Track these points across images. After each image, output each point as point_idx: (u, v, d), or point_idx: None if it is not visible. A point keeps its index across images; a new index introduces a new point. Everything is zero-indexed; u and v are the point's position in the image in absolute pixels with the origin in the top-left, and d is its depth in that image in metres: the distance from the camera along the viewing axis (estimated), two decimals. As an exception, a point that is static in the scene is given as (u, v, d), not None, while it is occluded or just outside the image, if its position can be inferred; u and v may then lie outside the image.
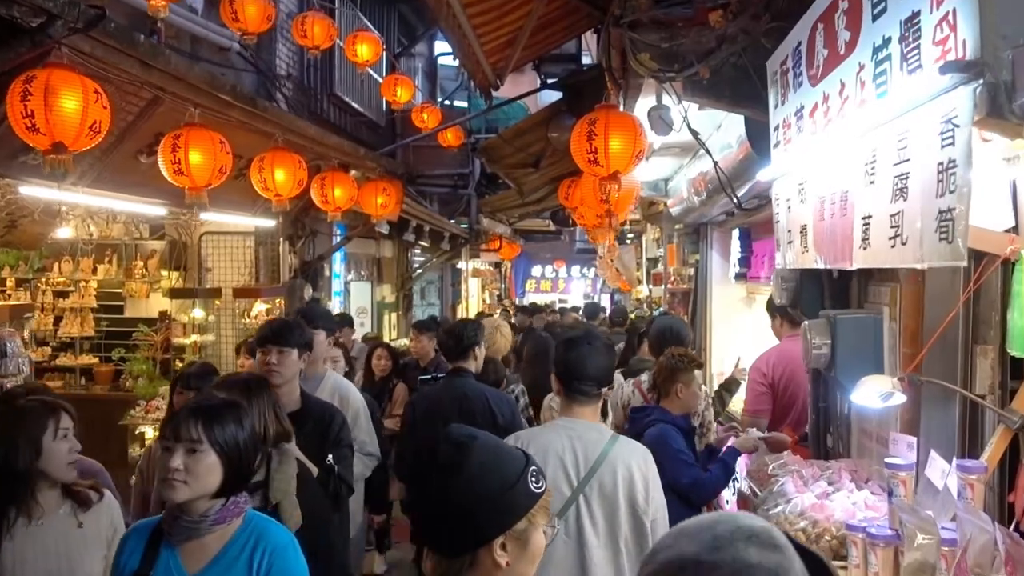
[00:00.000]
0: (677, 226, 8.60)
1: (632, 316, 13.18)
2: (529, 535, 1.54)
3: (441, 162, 13.62)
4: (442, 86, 17.17)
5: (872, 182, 2.41)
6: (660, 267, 13.98)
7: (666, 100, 4.49)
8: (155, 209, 6.48)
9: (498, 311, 19.23)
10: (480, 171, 14.17)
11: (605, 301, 27.41)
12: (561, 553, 2.62)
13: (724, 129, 5.03)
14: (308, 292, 8.35)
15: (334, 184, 6.85)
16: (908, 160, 2.13)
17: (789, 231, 3.62)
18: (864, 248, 2.52)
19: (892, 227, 2.24)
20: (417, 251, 14.44)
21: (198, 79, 4.75)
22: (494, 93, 8.66)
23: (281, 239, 7.92)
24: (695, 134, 4.70)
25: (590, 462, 2.69)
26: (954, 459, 2.43)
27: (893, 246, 2.24)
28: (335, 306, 9.61)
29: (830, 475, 3.39)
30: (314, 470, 3.12)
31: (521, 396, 5.41)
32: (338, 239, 9.64)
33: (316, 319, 4.37)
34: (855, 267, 2.73)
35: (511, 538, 1.51)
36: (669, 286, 9.11)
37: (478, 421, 3.87)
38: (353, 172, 8.32)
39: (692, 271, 10.27)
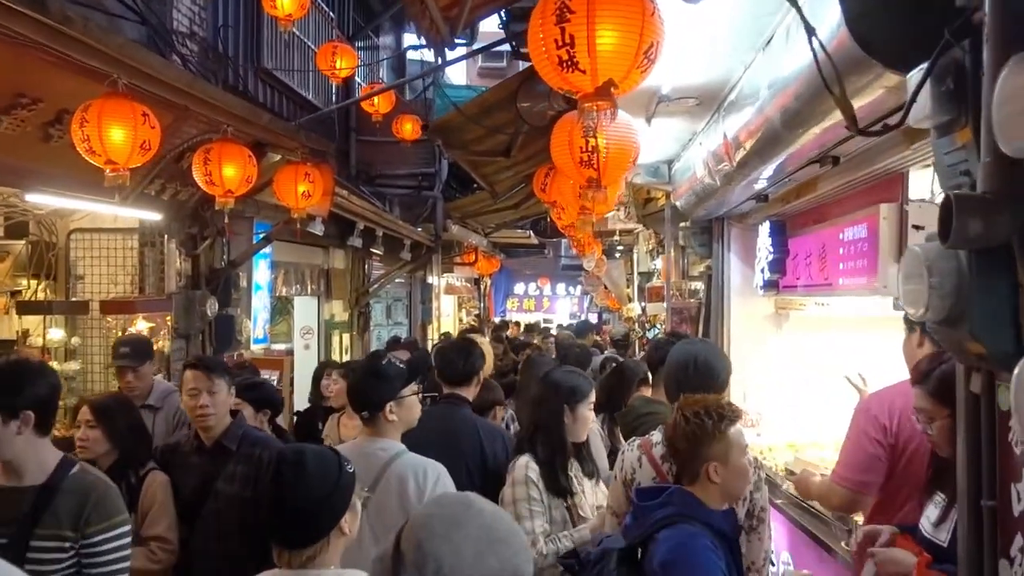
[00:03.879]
0: (682, 224, 6.81)
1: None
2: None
3: (403, 160, 11.81)
4: (412, 84, 15.44)
5: None
6: (656, 280, 12.21)
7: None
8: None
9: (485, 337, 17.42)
10: (448, 171, 12.38)
11: (592, 320, 25.74)
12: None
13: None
14: (211, 307, 6.50)
15: (222, 159, 5.03)
16: None
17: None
18: None
19: None
20: (379, 263, 12.59)
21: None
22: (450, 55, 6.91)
23: (165, 237, 6.06)
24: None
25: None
26: None
27: None
28: (259, 326, 7.75)
29: None
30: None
31: (511, 423, 4.91)
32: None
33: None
34: None
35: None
36: (673, 303, 7.28)
37: (465, 462, 3.49)
38: (275, 155, 6.52)
39: (700, 284, 8.50)
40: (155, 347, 6.12)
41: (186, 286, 6.38)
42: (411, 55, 15.35)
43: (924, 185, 3.77)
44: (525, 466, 3.29)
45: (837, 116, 2.60)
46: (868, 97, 2.36)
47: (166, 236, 6.01)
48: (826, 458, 5.30)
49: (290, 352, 10.81)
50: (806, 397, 5.87)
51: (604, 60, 2.26)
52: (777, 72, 3.01)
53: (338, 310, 11.28)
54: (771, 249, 5.36)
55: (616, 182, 3.65)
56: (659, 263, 12.75)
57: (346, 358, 11.14)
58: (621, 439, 4.56)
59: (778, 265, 5.32)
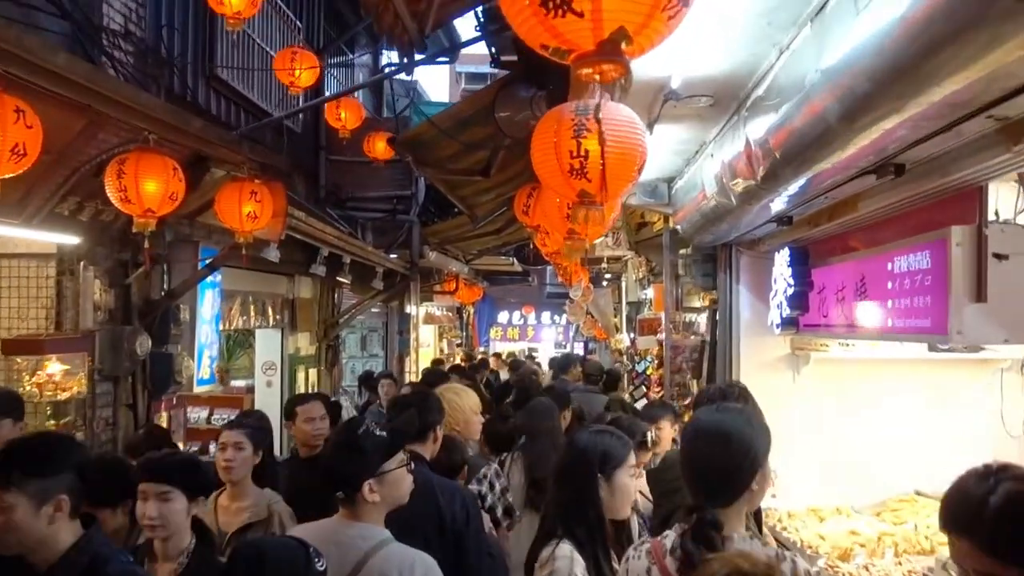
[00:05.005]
0: (682, 252, 6.02)
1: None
2: None
3: (376, 182, 11.00)
4: (390, 104, 14.67)
5: None
6: (648, 311, 11.42)
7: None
8: None
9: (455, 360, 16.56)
10: (426, 194, 11.57)
11: (579, 350, 24.94)
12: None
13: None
14: (142, 345, 5.63)
15: (139, 172, 4.20)
16: None
17: None
18: None
19: None
20: (351, 291, 11.72)
21: None
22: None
23: (81, 264, 5.20)
24: None
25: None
26: None
27: None
28: (203, 364, 6.86)
29: None
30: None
31: (496, 480, 4.32)
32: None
33: None
34: None
35: None
36: (674, 338, 6.46)
37: (417, 526, 2.93)
38: (220, 171, 5.71)
39: (695, 316, 7.70)
40: (70, 393, 5.27)
41: (112, 321, 5.50)
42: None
43: (1006, 202, 3.00)
44: (570, 561, 2.54)
45: (941, 90, 1.81)
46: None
47: (83, 263, 5.13)
48: (859, 531, 4.49)
49: (251, 389, 9.94)
50: (829, 452, 5.08)
51: (612, 0, 1.45)
52: (838, 47, 2.21)
53: (304, 343, 10.39)
54: (791, 281, 4.57)
55: (616, 197, 2.82)
56: (650, 292, 11.97)
57: (312, 395, 10.23)
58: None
59: (799, 300, 4.53)
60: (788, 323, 4.70)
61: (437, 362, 13.21)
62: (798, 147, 2.77)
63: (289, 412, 4.57)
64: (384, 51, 14.35)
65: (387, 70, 13.91)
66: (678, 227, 5.12)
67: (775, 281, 4.84)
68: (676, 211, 5.07)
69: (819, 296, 4.41)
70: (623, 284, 15.68)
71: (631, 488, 2.75)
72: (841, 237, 4.12)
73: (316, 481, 2.73)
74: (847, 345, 4.89)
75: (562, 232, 3.74)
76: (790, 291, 4.55)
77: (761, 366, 5.27)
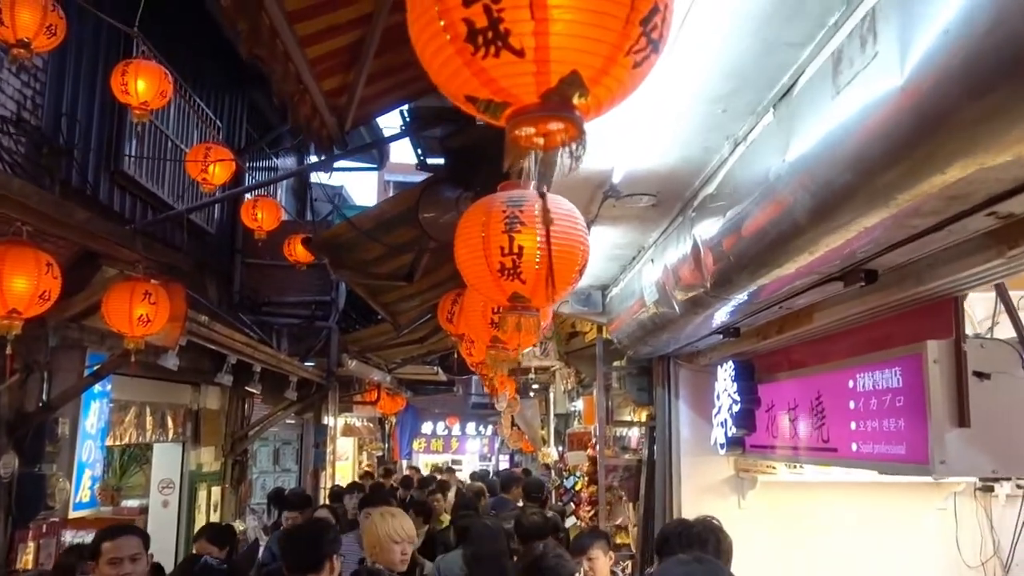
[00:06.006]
0: (616, 364, 5.67)
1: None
2: None
3: (295, 287, 10.47)
4: (315, 208, 14.31)
5: None
6: (578, 425, 10.98)
7: None
8: None
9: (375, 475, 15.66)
10: (347, 300, 11.07)
11: (504, 463, 24.16)
12: None
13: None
14: (8, 464, 4.91)
15: (4, 267, 3.65)
16: None
17: None
18: None
19: None
20: (263, 403, 10.97)
21: None
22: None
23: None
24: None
25: None
26: None
27: None
28: (83, 486, 6.08)
29: None
30: None
31: None
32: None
33: None
34: None
35: None
36: (608, 458, 6.01)
37: None
38: (112, 270, 5.17)
39: (627, 431, 7.31)
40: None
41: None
42: (314, 178, 14.30)
43: (978, 314, 2.73)
44: None
45: (944, 179, 1.50)
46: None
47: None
48: None
49: (144, 510, 9.02)
50: (780, 587, 4.63)
51: (562, 34, 1.09)
52: (810, 134, 1.92)
53: (209, 458, 9.56)
54: (736, 397, 4.22)
55: (554, 300, 2.44)
56: (580, 404, 11.56)
57: (214, 517, 9.35)
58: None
59: (746, 418, 4.18)
60: (734, 443, 4.33)
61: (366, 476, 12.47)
62: (756, 248, 2.45)
63: (94, 550, 3.58)
64: (309, 155, 14.09)
65: (309, 168, 13.63)
66: (613, 337, 4.76)
67: (718, 397, 4.50)
68: (611, 320, 4.72)
69: (768, 414, 4.07)
70: (551, 395, 15.26)
71: None
72: (789, 351, 3.81)
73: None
74: (794, 467, 4.54)
75: (485, 341, 3.33)
76: (735, 408, 4.20)
77: (703, 489, 4.86)
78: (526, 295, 2.29)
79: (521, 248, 2.26)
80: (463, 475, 18.48)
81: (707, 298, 3.04)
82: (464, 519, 5.69)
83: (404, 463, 22.39)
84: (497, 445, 26.56)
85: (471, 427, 27.62)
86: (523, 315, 2.33)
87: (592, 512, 8.64)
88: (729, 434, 4.30)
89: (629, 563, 5.07)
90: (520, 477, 13.48)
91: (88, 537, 8.32)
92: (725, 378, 4.35)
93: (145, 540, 3.66)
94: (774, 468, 4.59)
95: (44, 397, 5.58)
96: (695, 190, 2.97)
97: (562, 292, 2.34)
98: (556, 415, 14.62)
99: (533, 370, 13.64)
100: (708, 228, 2.79)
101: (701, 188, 2.89)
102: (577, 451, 9.34)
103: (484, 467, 22.13)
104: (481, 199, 2.34)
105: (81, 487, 6.01)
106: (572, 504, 9.70)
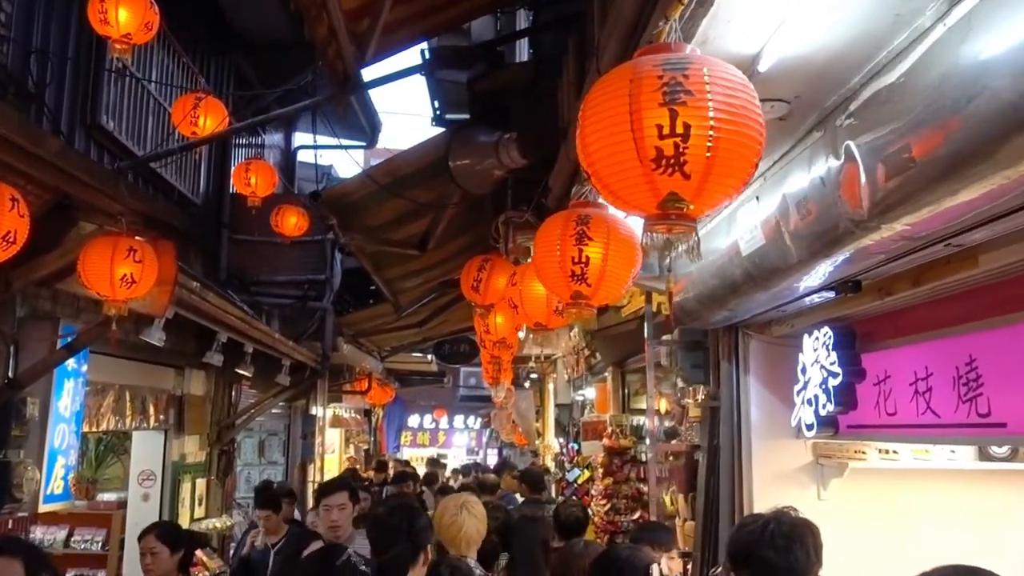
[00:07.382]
0: (665, 338, 5.01)
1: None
2: None
3: (286, 265, 9.72)
4: (301, 188, 13.57)
5: None
6: (590, 413, 10.34)
7: None
8: None
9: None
10: (342, 279, 10.34)
11: (492, 457, 23.55)
12: None
13: None
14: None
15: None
16: None
17: None
18: None
19: None
20: (251, 389, 10.23)
21: None
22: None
23: None
24: None
25: None
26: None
27: None
28: (55, 476, 5.34)
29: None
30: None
31: None
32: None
33: None
34: None
35: None
36: (606, 442, 5.32)
37: None
38: (90, 224, 4.46)
39: (641, 419, 6.65)
40: None
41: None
42: (302, 157, 13.59)
43: None
44: None
45: None
46: None
47: None
48: None
49: (123, 504, 8.27)
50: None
51: None
52: None
53: (193, 448, 8.81)
54: (833, 370, 3.58)
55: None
56: (590, 392, 10.94)
57: (199, 512, 8.62)
58: None
59: (846, 393, 3.54)
60: (825, 423, 3.70)
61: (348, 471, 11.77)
62: (971, 147, 1.81)
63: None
64: (296, 131, 13.37)
65: (302, 156, 12.93)
66: (679, 301, 4.10)
67: (803, 371, 3.86)
68: (677, 281, 4.06)
69: (877, 387, 3.43)
70: (550, 386, 14.63)
71: None
72: (914, 310, 3.18)
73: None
74: (888, 453, 3.92)
75: (565, 296, 2.70)
76: (833, 382, 3.56)
77: (777, 478, 4.22)
78: (687, 197, 1.62)
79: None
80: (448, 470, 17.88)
81: (856, 231, 2.38)
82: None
83: (388, 456, 21.66)
84: (485, 439, 25.92)
85: (459, 420, 26.95)
86: (677, 226, 1.66)
87: (607, 506, 8.01)
88: (822, 413, 3.67)
89: (681, 562, 4.42)
90: (514, 464, 12.92)
91: (61, 534, 7.65)
92: (817, 348, 3.71)
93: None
94: (864, 453, 3.97)
95: (10, 373, 4.85)
96: (852, 88, 2.31)
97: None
98: (557, 405, 13.99)
99: (534, 358, 13.03)
100: (877, 135, 2.14)
101: (867, 84, 2.23)
102: (592, 440, 8.69)
103: (471, 461, 21.39)
104: (623, 63, 1.67)
105: (53, 477, 5.27)
106: (575, 497, 9.07)
